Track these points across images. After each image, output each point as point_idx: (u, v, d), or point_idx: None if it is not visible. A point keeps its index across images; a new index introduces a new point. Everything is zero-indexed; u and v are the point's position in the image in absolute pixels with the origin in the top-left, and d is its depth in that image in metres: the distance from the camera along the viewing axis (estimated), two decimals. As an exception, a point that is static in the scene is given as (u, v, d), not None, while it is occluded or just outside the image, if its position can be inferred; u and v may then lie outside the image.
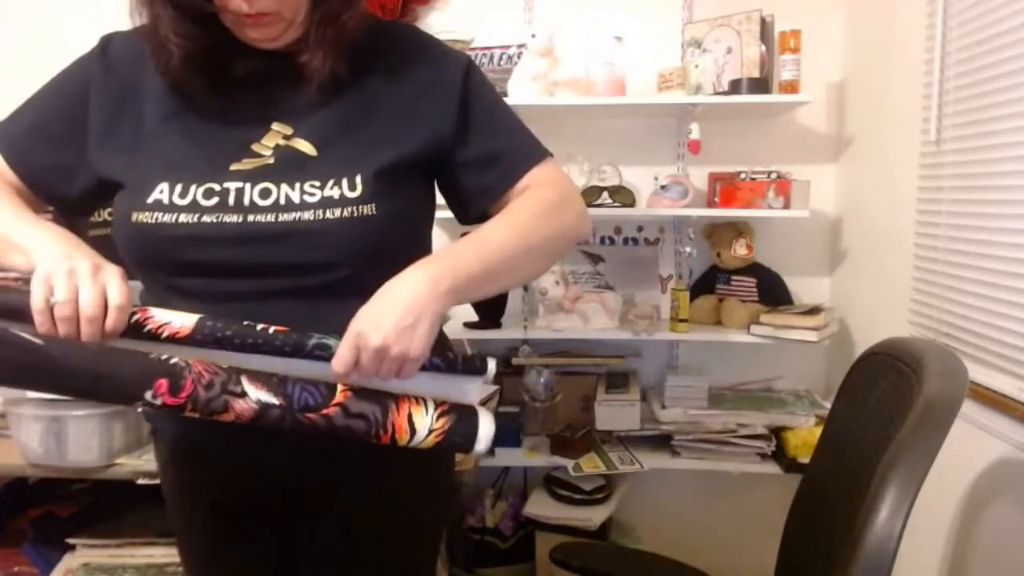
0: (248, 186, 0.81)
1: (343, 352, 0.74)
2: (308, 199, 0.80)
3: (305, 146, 0.84)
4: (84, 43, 0.91)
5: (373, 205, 0.81)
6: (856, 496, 0.86)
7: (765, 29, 2.02)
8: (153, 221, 0.80)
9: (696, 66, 2.06)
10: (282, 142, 0.84)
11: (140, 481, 1.52)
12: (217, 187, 0.81)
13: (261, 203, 0.80)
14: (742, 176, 2.02)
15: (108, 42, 0.90)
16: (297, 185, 0.81)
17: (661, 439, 2.10)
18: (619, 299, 2.13)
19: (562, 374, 2.16)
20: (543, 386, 2.10)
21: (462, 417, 0.80)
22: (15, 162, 0.89)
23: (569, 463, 2.03)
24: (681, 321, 2.05)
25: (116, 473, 1.57)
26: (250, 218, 0.80)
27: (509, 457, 2.10)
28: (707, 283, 2.23)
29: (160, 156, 0.84)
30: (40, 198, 0.90)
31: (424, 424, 0.77)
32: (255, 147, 0.84)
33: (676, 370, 2.26)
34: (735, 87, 1.97)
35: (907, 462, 0.80)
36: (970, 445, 1.43)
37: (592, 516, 2.03)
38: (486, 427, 0.79)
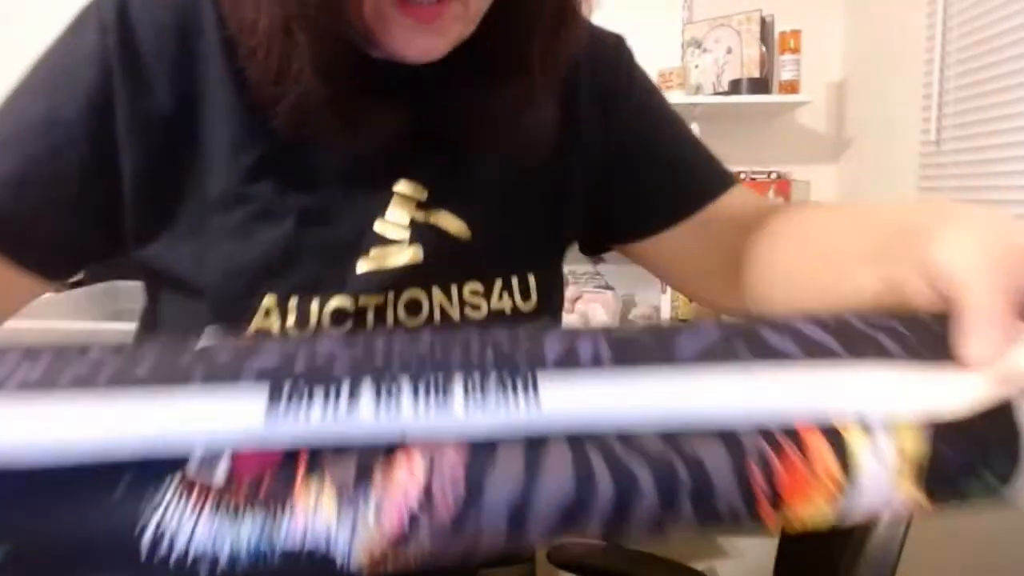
0: (391, 296, 0.51)
1: (982, 295, 0.29)
2: (471, 313, 0.54)
3: (451, 223, 0.53)
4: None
5: (547, 319, 0.58)
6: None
7: (765, 29, 2.02)
8: None
9: (696, 66, 2.06)
10: (419, 216, 0.53)
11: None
12: (350, 306, 0.49)
13: (409, 322, 0.53)
14: (742, 176, 2.02)
15: (123, 10, 0.48)
16: (454, 290, 0.53)
17: (661, 439, 2.10)
18: (619, 299, 2.13)
19: (562, 374, 2.16)
20: (543, 386, 2.10)
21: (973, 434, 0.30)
22: None
23: (569, 463, 2.03)
24: (681, 321, 2.05)
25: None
26: None
27: (509, 457, 2.10)
28: (707, 283, 2.23)
29: (249, 245, 0.49)
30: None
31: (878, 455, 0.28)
32: (380, 226, 0.52)
33: (676, 370, 2.26)
34: (735, 87, 1.97)
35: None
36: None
37: (592, 516, 2.03)
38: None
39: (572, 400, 0.26)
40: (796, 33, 1.97)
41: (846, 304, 0.39)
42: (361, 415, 0.25)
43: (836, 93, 2.21)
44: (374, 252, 0.51)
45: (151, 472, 0.25)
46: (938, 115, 1.63)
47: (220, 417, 0.25)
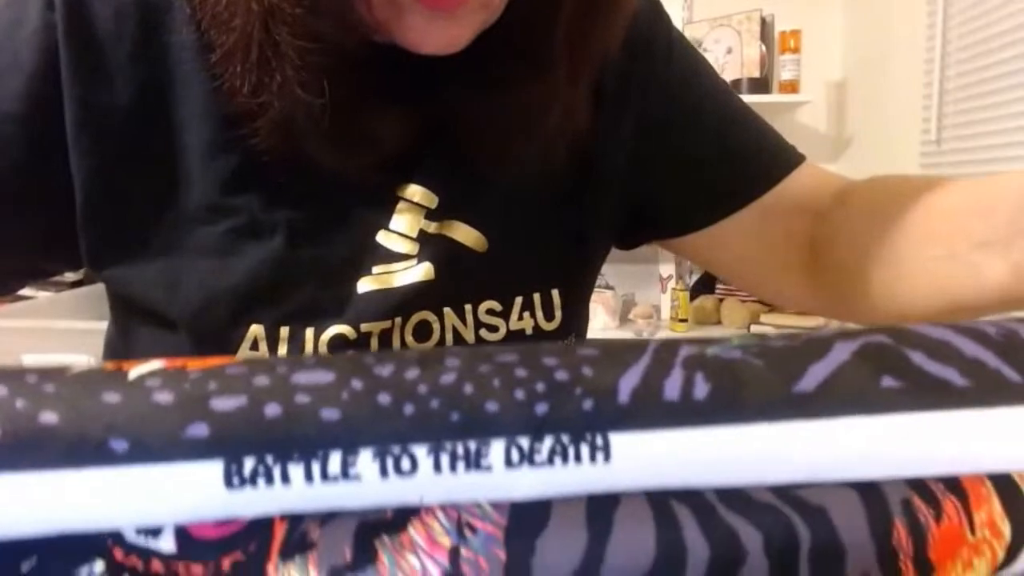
0: (399, 322, 0.45)
1: None
2: (487, 335, 0.48)
3: (466, 233, 0.47)
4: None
5: (572, 337, 0.51)
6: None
7: (765, 29, 2.02)
8: None
9: (696, 66, 2.07)
10: (428, 227, 0.46)
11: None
12: (351, 333, 0.43)
13: (417, 347, 0.45)
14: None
15: None
16: (468, 310, 0.47)
17: (661, 439, 2.10)
18: (619, 299, 2.13)
19: (562, 374, 2.16)
20: (543, 386, 2.10)
21: None
22: None
23: (569, 463, 2.03)
24: (681, 321, 2.05)
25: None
26: None
27: (509, 457, 2.10)
28: (707, 283, 2.23)
29: (231, 265, 0.43)
30: None
31: None
32: (384, 238, 0.45)
33: (676, 370, 2.26)
34: (735, 87, 1.97)
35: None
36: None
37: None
38: None
39: (655, 459, 0.19)
40: (796, 33, 1.97)
41: (968, 299, 0.35)
42: (360, 490, 0.18)
43: (836, 93, 2.21)
44: (377, 270, 0.44)
45: (67, 557, 0.18)
46: (938, 115, 1.63)
47: (158, 496, 0.18)
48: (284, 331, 0.42)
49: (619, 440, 0.18)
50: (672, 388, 0.19)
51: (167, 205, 0.42)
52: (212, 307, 0.42)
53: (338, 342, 0.43)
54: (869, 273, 0.42)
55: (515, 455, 0.18)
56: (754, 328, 2.02)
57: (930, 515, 0.20)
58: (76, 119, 0.40)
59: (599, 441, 0.18)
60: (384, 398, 0.18)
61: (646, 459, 0.18)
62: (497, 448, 0.18)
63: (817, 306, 0.51)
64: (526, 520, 0.18)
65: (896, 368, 0.20)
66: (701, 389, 0.19)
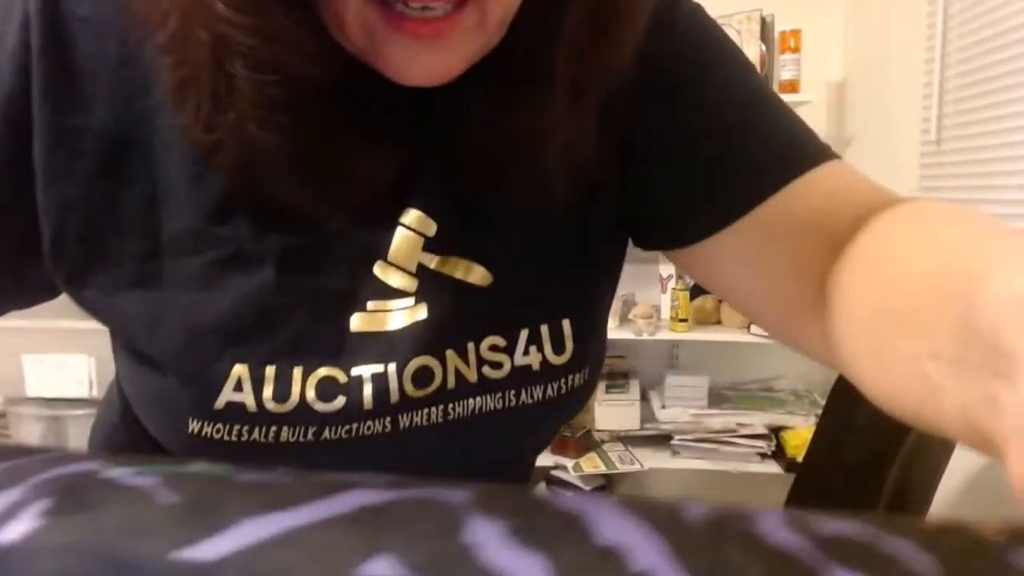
0: (393, 369, 0.41)
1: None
2: (492, 373, 0.43)
3: (467, 270, 0.43)
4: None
5: (586, 371, 0.46)
6: (861, 494, 0.86)
7: (765, 28, 2.02)
8: (229, 437, 0.40)
9: (696, 66, 2.07)
10: (427, 261, 0.42)
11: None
12: (341, 376, 0.40)
13: (417, 394, 0.42)
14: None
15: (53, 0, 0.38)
16: (471, 348, 0.43)
17: (661, 439, 2.10)
18: (619, 299, 2.13)
19: (562, 374, 2.16)
20: (543, 386, 2.09)
21: None
22: None
23: (569, 463, 2.03)
24: (681, 321, 2.05)
25: (116, 473, 1.57)
26: (402, 421, 0.42)
27: (509, 457, 2.10)
28: (707, 283, 2.22)
29: (214, 298, 0.40)
30: None
31: None
32: (381, 271, 0.42)
33: (676, 370, 2.26)
34: (735, 87, 1.97)
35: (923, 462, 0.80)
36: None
37: (592, 516, 2.03)
38: None
39: None
40: (796, 32, 1.97)
41: (929, 418, 0.27)
42: None
43: (836, 93, 2.21)
44: (372, 305, 0.41)
45: None
46: (938, 114, 1.63)
47: None
48: (270, 371, 0.39)
49: None
50: None
51: (147, 233, 0.39)
52: (195, 346, 0.39)
53: (328, 385, 0.40)
54: (843, 332, 0.36)
55: None
56: (754, 330, 2.02)
57: None
58: (47, 143, 0.37)
59: None
60: None
61: None
62: None
63: (833, 364, 0.40)
64: None
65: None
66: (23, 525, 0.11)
